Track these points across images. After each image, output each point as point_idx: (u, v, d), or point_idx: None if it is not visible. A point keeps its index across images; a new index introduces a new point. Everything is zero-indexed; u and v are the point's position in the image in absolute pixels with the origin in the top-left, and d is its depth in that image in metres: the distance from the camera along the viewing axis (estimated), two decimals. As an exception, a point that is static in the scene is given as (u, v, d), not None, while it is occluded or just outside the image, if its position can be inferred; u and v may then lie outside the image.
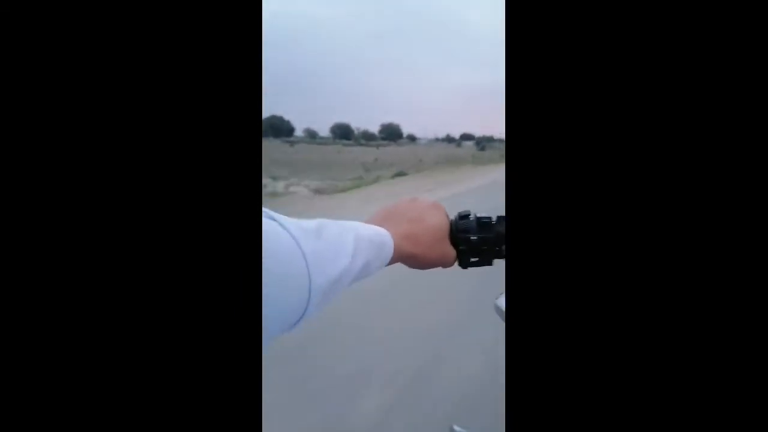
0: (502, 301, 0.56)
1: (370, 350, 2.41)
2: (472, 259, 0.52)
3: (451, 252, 0.50)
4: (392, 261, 0.43)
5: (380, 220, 0.46)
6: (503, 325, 0.29)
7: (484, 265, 0.52)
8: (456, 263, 0.52)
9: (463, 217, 0.52)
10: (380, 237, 0.41)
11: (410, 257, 0.46)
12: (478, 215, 0.52)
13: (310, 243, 0.31)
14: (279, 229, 0.30)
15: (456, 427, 0.59)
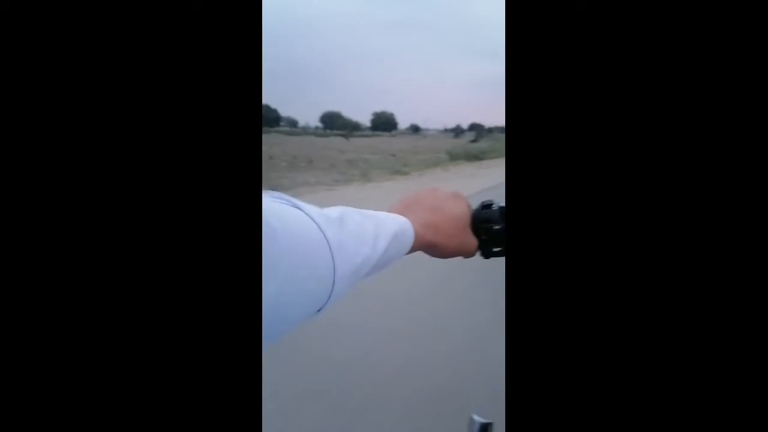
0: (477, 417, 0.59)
1: (375, 346, 2.44)
2: (494, 249, 0.51)
3: (473, 241, 0.50)
4: (413, 249, 0.43)
5: (401, 209, 0.46)
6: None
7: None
8: (478, 253, 0.51)
9: (486, 206, 0.51)
10: (401, 226, 0.41)
11: (431, 246, 0.46)
12: (502, 205, 0.50)
13: (334, 231, 0.31)
14: (304, 217, 0.30)
15: (475, 417, 0.59)
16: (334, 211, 0.34)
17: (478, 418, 0.57)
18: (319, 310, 0.31)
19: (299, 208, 0.31)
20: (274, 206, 0.29)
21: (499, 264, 0.47)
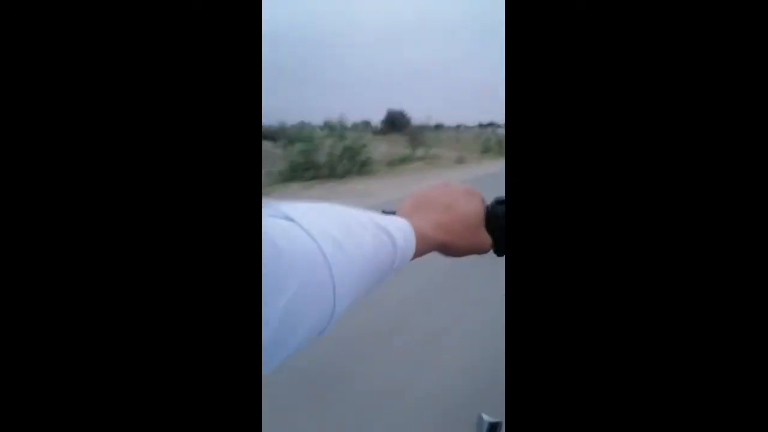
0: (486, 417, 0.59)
1: (376, 347, 2.45)
2: None
3: (486, 240, 0.48)
4: (425, 251, 0.42)
5: (411, 209, 0.45)
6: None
7: None
8: (492, 250, 0.50)
9: (500, 202, 0.49)
10: (402, 233, 0.37)
11: (443, 246, 0.44)
12: None
13: (332, 249, 0.29)
14: (304, 236, 0.28)
15: (484, 416, 0.59)
16: (332, 222, 0.31)
17: (487, 417, 0.57)
18: (321, 332, 0.29)
19: (293, 220, 0.28)
20: (269, 224, 0.27)
21: (502, 264, 0.46)
